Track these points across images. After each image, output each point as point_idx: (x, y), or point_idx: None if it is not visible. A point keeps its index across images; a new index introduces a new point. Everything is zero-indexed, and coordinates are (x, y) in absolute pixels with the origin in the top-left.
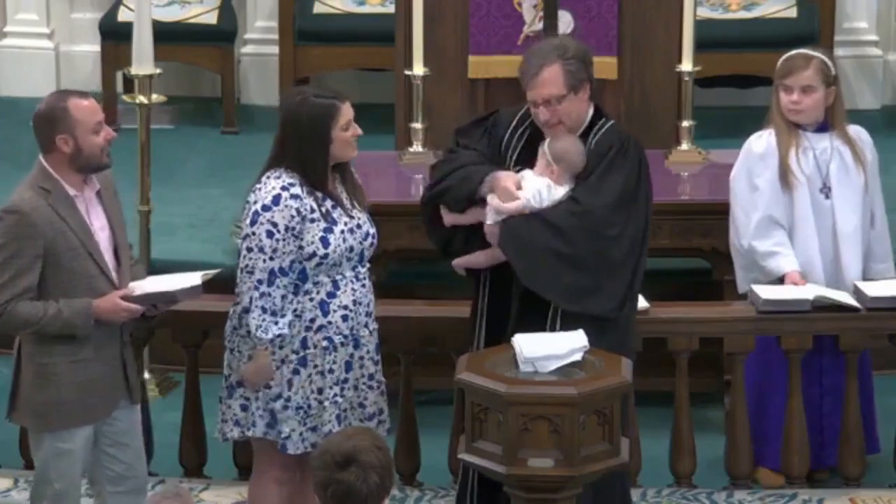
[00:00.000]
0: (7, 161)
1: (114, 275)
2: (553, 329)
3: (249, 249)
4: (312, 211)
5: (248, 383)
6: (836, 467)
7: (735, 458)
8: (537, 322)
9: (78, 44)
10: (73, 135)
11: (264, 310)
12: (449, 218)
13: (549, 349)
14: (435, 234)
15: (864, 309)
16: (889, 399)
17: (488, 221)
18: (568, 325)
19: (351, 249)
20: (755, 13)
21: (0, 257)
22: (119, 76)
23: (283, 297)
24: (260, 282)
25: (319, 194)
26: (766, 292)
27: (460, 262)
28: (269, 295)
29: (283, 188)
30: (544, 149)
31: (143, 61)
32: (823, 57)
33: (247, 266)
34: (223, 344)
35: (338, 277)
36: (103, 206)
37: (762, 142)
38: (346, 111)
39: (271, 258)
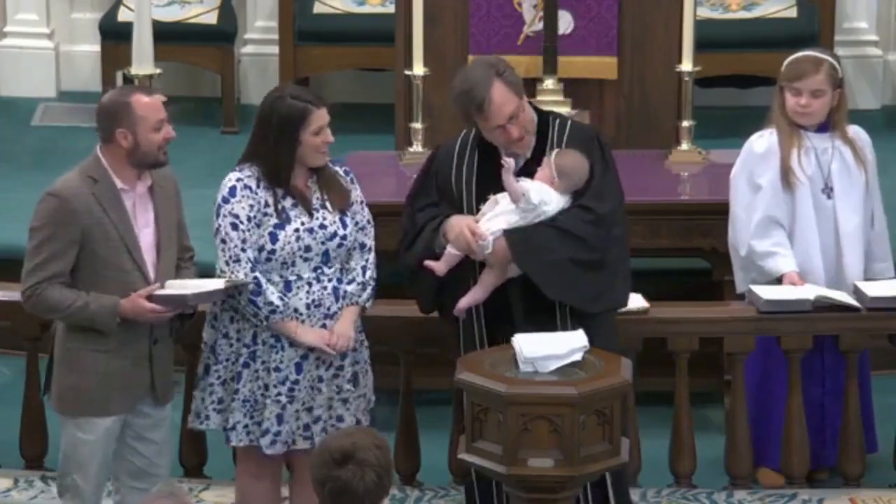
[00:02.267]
0: (7, 161)
1: (150, 272)
2: (564, 325)
3: (223, 241)
4: (266, 206)
5: (343, 345)
6: (836, 467)
7: (735, 458)
8: (545, 320)
9: (78, 44)
10: (133, 130)
11: (273, 283)
12: (441, 266)
13: (549, 349)
14: (424, 298)
15: (864, 309)
16: (889, 399)
17: (490, 250)
18: (576, 321)
19: (307, 249)
20: (755, 13)
21: (36, 239)
22: (119, 76)
23: None
24: (252, 267)
25: (280, 191)
26: (767, 293)
27: (463, 305)
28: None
29: (238, 180)
30: (551, 161)
31: (143, 61)
32: (832, 60)
33: (231, 256)
34: (203, 339)
35: (292, 279)
36: (154, 203)
37: (763, 142)
38: (319, 117)
39: (243, 249)
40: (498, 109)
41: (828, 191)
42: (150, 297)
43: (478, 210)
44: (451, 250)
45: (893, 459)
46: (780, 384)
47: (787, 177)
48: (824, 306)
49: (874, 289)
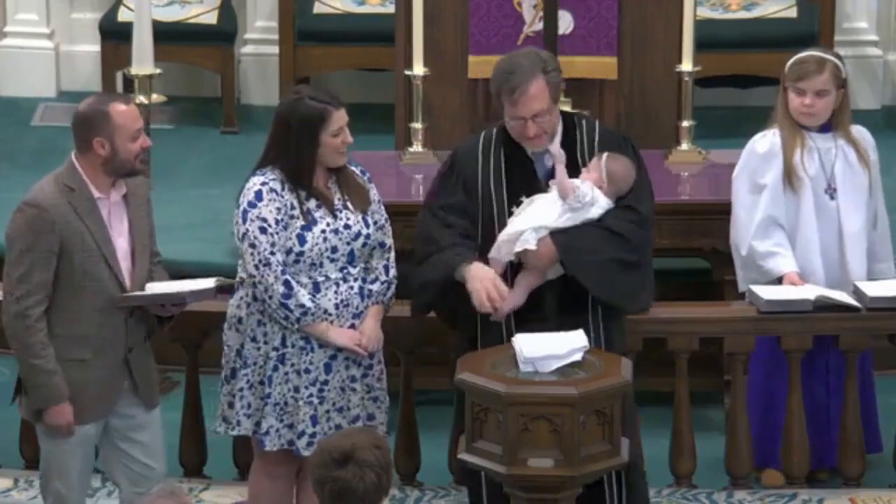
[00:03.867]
0: (7, 161)
1: (126, 279)
2: (596, 325)
3: (253, 245)
4: (292, 208)
5: (373, 345)
6: (836, 467)
7: (735, 458)
8: (578, 320)
9: (78, 44)
10: (110, 139)
11: (302, 285)
12: (499, 269)
13: (549, 349)
14: (420, 304)
15: (864, 309)
16: (889, 399)
17: (532, 247)
18: (608, 322)
19: (334, 250)
20: (755, 13)
21: (16, 250)
22: (119, 76)
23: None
24: (283, 270)
25: (303, 193)
26: (768, 293)
27: (505, 311)
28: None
29: (263, 184)
30: (601, 164)
31: (143, 61)
32: (836, 60)
33: (261, 260)
34: (225, 342)
35: (320, 280)
36: (128, 210)
37: (766, 142)
38: (339, 118)
39: (272, 253)
40: (527, 102)
41: (831, 191)
42: (129, 296)
43: (510, 213)
44: (499, 260)
45: (894, 459)
46: (785, 384)
47: (789, 177)
48: (825, 306)
49: (874, 289)
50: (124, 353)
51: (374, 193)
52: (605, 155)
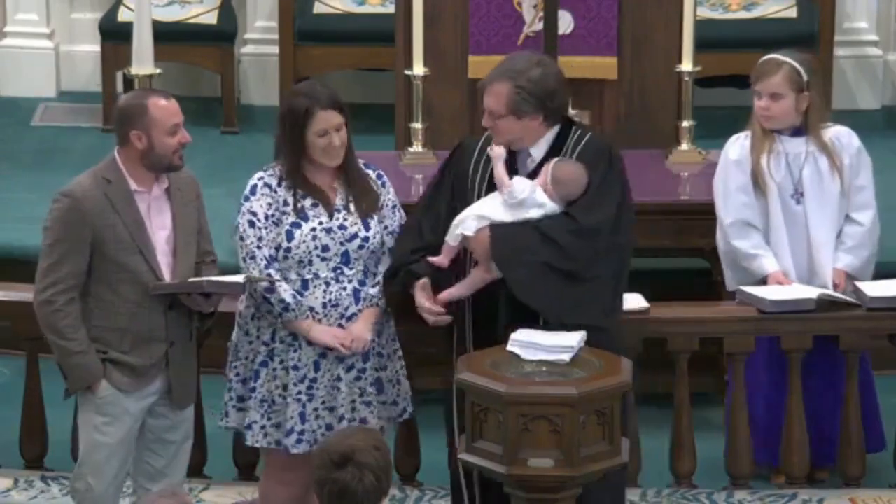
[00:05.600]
0: (7, 161)
1: (166, 274)
2: None
3: (241, 238)
4: (286, 204)
5: (357, 346)
6: (833, 466)
7: (735, 458)
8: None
9: (78, 44)
10: (147, 133)
11: (290, 281)
12: (444, 259)
13: (539, 339)
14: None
15: (865, 309)
16: (889, 399)
17: (469, 232)
18: (563, 330)
19: (325, 249)
20: (755, 13)
21: (48, 239)
22: (119, 76)
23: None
24: (267, 264)
25: (301, 190)
26: (770, 293)
27: (444, 297)
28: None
29: (260, 178)
30: (549, 166)
31: (143, 61)
32: (795, 63)
33: (248, 253)
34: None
35: (308, 277)
36: (172, 205)
37: (737, 146)
38: (323, 119)
39: (259, 247)
40: (484, 99)
41: (797, 196)
42: (160, 285)
43: None
44: (449, 242)
45: (894, 459)
46: (761, 383)
47: (756, 181)
48: (826, 305)
49: (874, 289)
50: (165, 347)
51: (389, 198)
52: (555, 159)
